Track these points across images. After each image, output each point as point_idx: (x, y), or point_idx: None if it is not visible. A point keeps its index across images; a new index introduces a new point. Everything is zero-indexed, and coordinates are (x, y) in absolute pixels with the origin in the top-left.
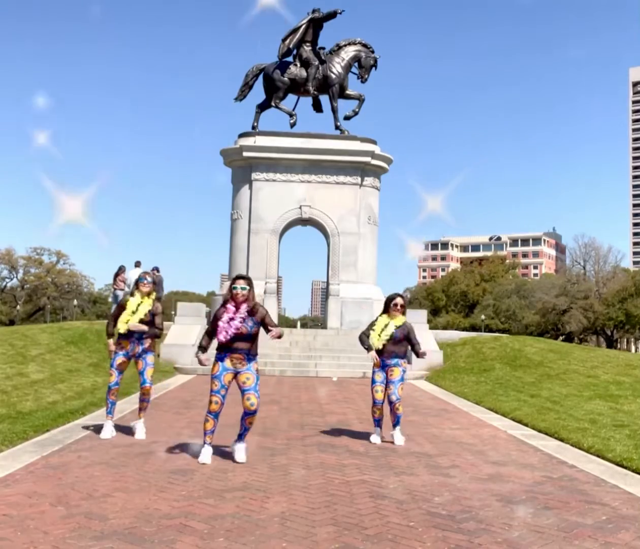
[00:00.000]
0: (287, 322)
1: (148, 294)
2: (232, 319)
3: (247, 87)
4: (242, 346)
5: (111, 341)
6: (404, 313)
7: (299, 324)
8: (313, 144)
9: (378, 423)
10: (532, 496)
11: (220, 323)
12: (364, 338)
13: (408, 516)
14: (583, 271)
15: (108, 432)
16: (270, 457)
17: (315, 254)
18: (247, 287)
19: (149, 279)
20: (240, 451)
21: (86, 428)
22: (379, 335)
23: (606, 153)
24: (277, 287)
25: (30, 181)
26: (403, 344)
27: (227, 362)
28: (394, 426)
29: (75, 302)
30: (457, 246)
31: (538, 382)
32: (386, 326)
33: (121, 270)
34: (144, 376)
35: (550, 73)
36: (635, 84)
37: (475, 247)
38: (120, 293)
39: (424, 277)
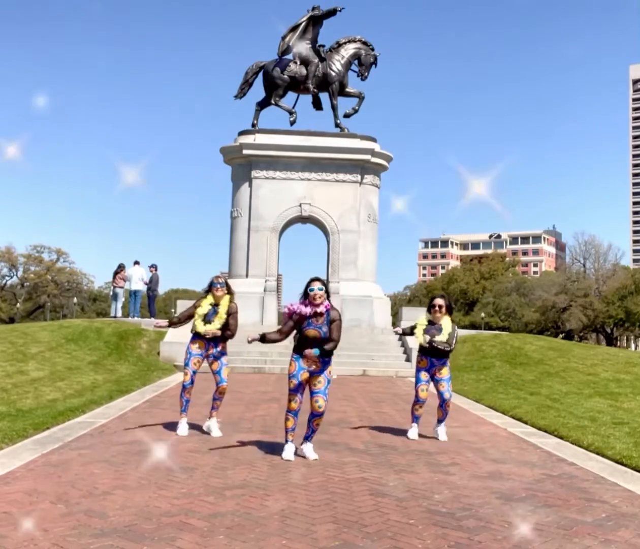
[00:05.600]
0: None
1: (223, 296)
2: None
3: (247, 84)
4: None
5: (163, 323)
6: (449, 314)
7: None
8: (313, 142)
9: (417, 419)
10: (531, 494)
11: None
12: (406, 331)
13: (408, 513)
14: (583, 269)
15: (184, 429)
16: (269, 455)
17: (315, 252)
18: (324, 287)
19: (222, 281)
20: (309, 451)
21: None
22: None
23: (606, 151)
24: (277, 285)
25: (30, 178)
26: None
27: (303, 362)
28: (440, 422)
29: (75, 300)
30: (457, 244)
31: (538, 380)
32: (427, 325)
33: (121, 268)
34: (220, 375)
35: (549, 71)
36: (635, 82)
37: (475, 245)
38: (119, 291)
39: (424, 274)
